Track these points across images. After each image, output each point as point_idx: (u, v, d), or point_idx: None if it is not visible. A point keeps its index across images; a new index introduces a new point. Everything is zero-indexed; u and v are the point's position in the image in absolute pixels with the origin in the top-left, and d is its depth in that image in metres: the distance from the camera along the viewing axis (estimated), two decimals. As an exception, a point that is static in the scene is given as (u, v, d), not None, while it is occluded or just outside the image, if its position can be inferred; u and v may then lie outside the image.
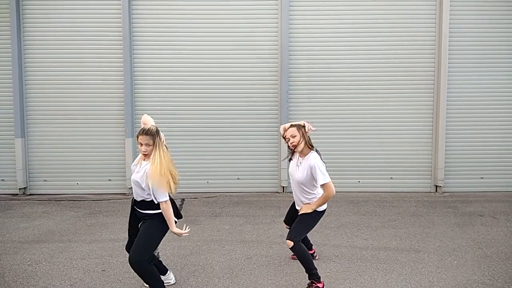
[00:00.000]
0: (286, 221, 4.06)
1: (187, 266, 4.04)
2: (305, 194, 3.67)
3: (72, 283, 3.68)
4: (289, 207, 4.06)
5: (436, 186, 7.28)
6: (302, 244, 3.53)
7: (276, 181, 7.37)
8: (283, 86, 7.12)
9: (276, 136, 7.26)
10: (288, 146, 3.70)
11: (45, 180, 7.34)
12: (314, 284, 3.46)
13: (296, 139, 3.61)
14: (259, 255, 4.32)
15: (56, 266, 4.05)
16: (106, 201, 6.81)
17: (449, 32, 7.04)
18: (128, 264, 4.05)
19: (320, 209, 3.63)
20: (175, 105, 7.24)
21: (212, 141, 7.32)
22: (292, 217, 3.86)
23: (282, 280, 3.73)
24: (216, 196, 7.07)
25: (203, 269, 3.97)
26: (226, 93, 7.26)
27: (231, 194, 7.22)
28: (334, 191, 3.51)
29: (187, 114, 7.25)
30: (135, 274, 3.81)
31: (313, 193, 3.66)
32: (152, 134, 3.22)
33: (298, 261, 4.01)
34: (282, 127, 3.80)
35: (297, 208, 3.79)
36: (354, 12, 7.17)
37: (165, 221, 3.26)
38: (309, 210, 3.58)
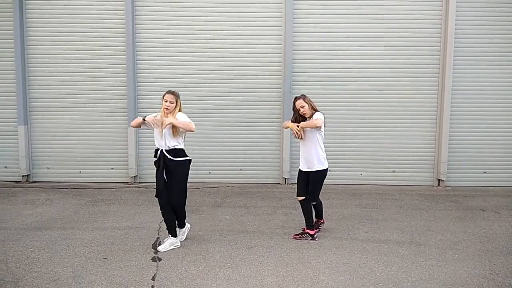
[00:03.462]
0: (298, 195, 4.53)
1: (188, 255, 4.06)
2: (312, 144, 4.37)
3: (74, 270, 3.71)
4: (296, 183, 4.61)
5: (439, 180, 7.25)
6: (311, 205, 4.50)
7: (278, 173, 7.37)
8: (287, 77, 7.08)
9: (279, 128, 7.24)
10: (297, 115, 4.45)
11: (48, 168, 7.37)
12: (305, 230, 4.44)
13: (306, 109, 4.38)
14: (260, 246, 4.34)
15: (58, 253, 4.08)
16: (108, 189, 6.84)
17: (455, 27, 6.96)
18: (129, 253, 4.12)
19: (324, 167, 4.39)
20: (178, 95, 7.22)
21: (215, 132, 7.31)
22: (302, 188, 4.48)
23: (282, 270, 3.74)
24: (218, 187, 7.08)
25: (204, 259, 3.99)
26: (229, 84, 7.23)
27: (233, 184, 7.23)
28: (321, 123, 4.28)
29: (190, 104, 7.19)
30: (136, 262, 3.87)
31: (318, 145, 4.39)
32: (177, 95, 4.14)
33: (298, 251, 4.05)
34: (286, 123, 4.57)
35: (303, 169, 4.44)
36: (359, 7, 7.08)
37: (186, 167, 4.25)
38: (307, 124, 4.34)
